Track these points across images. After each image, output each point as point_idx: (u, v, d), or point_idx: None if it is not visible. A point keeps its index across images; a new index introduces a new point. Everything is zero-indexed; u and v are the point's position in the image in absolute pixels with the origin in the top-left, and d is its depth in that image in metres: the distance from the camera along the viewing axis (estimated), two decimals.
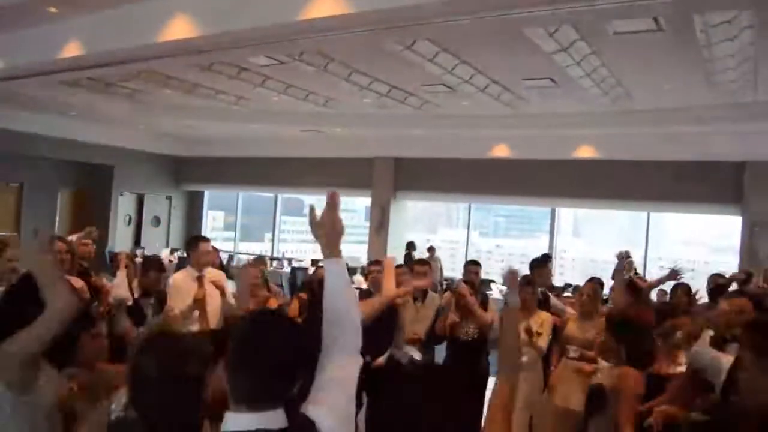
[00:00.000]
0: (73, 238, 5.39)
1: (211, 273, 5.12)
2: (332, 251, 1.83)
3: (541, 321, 5.15)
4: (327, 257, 1.83)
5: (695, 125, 9.91)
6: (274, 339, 1.63)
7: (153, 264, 5.33)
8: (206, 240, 5.35)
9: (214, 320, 4.94)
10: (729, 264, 11.10)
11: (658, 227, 13.25)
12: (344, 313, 1.78)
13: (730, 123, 9.59)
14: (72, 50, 7.47)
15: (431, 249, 13.10)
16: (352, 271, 5.60)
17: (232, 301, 5.08)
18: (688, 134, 10.72)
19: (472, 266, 6.23)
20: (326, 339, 1.75)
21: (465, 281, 5.54)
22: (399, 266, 5.76)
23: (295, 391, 1.64)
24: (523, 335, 4.59)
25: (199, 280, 4.84)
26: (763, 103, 8.86)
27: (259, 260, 7.35)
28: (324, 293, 1.79)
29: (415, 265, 5.65)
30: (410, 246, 13.45)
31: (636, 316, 4.03)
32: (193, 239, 5.43)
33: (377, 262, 5.74)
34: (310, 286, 5.84)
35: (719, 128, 10.12)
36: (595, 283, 5.36)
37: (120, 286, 4.77)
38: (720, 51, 6.55)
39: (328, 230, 1.86)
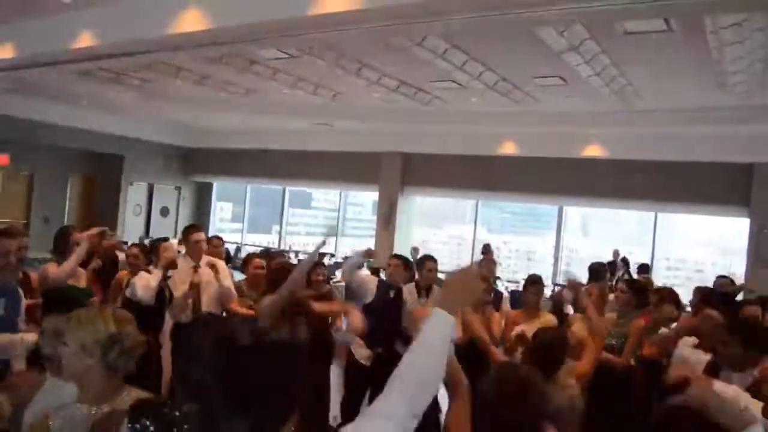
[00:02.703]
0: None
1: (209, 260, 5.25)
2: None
3: (545, 324, 5.15)
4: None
5: (704, 126, 9.90)
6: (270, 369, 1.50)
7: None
8: (198, 229, 5.46)
9: (209, 307, 5.07)
10: (736, 265, 11.10)
11: (665, 227, 13.24)
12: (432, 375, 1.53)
13: (739, 125, 9.57)
14: (84, 41, 7.53)
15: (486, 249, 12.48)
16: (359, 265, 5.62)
17: (227, 282, 5.18)
18: (697, 135, 10.71)
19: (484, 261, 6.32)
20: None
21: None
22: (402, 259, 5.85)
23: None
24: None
25: (194, 268, 4.97)
26: None
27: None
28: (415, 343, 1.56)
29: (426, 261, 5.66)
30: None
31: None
32: (185, 229, 5.57)
33: (398, 257, 5.81)
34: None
35: (728, 130, 10.11)
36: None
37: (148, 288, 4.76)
38: (730, 53, 6.55)
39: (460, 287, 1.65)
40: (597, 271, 6.72)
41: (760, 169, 10.82)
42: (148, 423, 1.89)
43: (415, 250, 12.42)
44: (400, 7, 5.29)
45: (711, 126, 9.83)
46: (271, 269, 4.79)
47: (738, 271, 10.81)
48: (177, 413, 1.87)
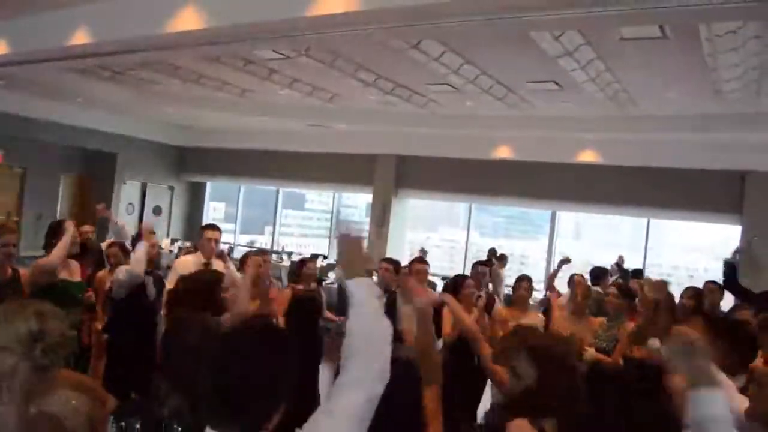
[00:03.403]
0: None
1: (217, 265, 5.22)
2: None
3: (532, 321, 5.18)
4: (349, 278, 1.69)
5: (698, 133, 9.94)
6: (255, 359, 1.55)
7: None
8: (213, 228, 5.46)
9: None
10: None
11: (658, 233, 13.27)
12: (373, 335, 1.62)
13: (732, 132, 9.61)
14: (80, 38, 7.49)
15: (501, 257, 12.46)
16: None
17: (236, 274, 5.17)
18: (691, 142, 10.76)
19: (480, 267, 6.32)
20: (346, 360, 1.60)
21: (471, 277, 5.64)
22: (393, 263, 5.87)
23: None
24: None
25: (206, 266, 4.92)
26: (766, 113, 8.88)
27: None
28: (349, 312, 1.65)
29: (414, 263, 5.67)
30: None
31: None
32: (201, 227, 5.58)
33: (389, 260, 5.84)
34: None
35: (722, 137, 10.15)
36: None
37: (139, 261, 4.74)
38: (725, 60, 6.58)
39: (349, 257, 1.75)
40: (597, 274, 6.96)
41: (753, 177, 10.87)
42: (133, 420, 1.88)
43: (423, 252, 12.37)
44: (397, 10, 5.29)
45: (705, 133, 9.88)
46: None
47: None
48: (164, 411, 1.86)
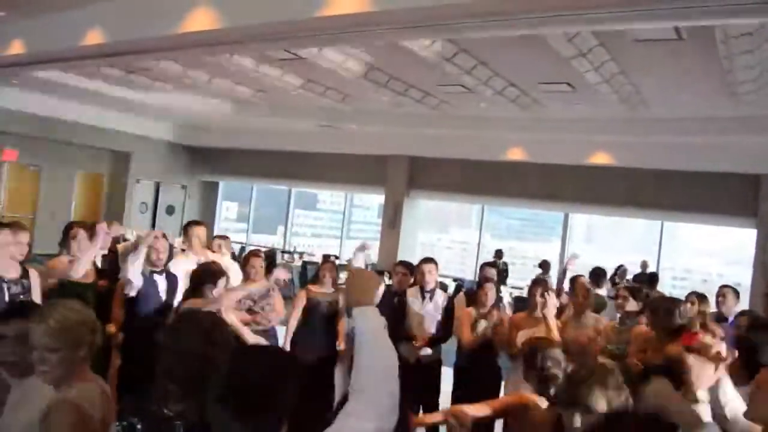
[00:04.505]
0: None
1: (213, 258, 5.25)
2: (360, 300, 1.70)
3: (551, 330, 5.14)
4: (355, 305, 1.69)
5: (712, 136, 9.85)
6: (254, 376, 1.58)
7: None
8: (197, 224, 5.49)
9: None
10: (742, 276, 11.05)
11: (672, 237, 13.18)
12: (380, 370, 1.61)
13: (747, 135, 9.52)
14: (94, 38, 7.55)
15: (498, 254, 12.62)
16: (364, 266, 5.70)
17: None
18: (705, 144, 10.66)
19: (487, 267, 6.43)
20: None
21: (489, 279, 5.66)
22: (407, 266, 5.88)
23: None
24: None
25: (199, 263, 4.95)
26: None
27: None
28: (356, 345, 1.64)
29: (422, 264, 5.67)
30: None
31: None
32: (187, 224, 5.61)
33: (403, 263, 5.86)
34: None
35: (737, 140, 10.06)
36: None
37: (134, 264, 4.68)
38: (740, 62, 6.52)
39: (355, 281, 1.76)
40: (596, 274, 7.01)
41: None
42: (135, 421, 1.89)
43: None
44: (410, 11, 5.29)
45: (719, 136, 9.79)
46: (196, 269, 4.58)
47: (744, 282, 10.77)
48: (165, 411, 1.87)
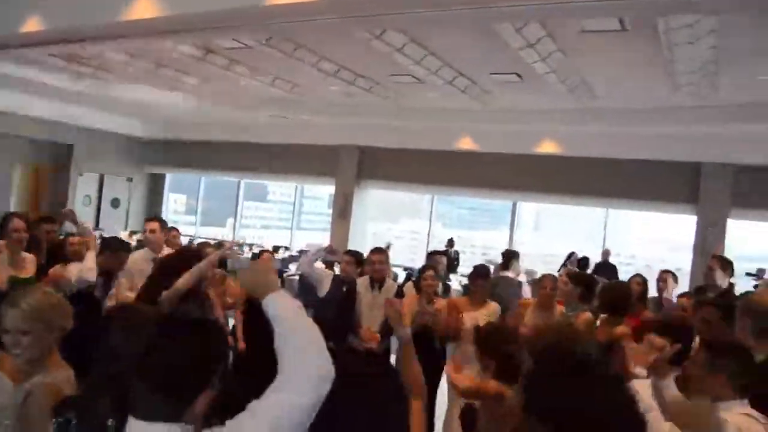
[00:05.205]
0: None
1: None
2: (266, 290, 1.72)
3: (491, 313, 5.21)
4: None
5: (656, 125, 10.11)
6: (177, 347, 1.59)
7: (115, 244, 5.27)
8: (152, 219, 5.39)
9: None
10: (684, 261, 11.42)
11: (616, 224, 13.51)
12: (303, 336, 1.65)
13: (689, 125, 9.80)
14: (32, 25, 7.28)
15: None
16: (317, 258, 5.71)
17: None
18: (649, 133, 10.94)
19: (437, 255, 6.52)
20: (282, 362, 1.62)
21: (431, 267, 5.74)
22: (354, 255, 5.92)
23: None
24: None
25: (155, 261, 4.83)
26: (721, 106, 9.07)
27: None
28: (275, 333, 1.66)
29: (372, 254, 5.70)
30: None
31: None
32: (145, 220, 5.53)
33: (351, 253, 5.88)
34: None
35: (678, 129, 10.35)
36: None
37: (90, 269, 4.54)
38: (682, 53, 6.68)
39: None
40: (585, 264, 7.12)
41: (708, 167, 11.15)
42: (70, 417, 1.91)
43: (388, 246, 12.40)
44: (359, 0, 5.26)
45: (662, 125, 10.05)
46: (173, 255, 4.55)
47: (685, 267, 11.12)
48: (99, 406, 1.86)
